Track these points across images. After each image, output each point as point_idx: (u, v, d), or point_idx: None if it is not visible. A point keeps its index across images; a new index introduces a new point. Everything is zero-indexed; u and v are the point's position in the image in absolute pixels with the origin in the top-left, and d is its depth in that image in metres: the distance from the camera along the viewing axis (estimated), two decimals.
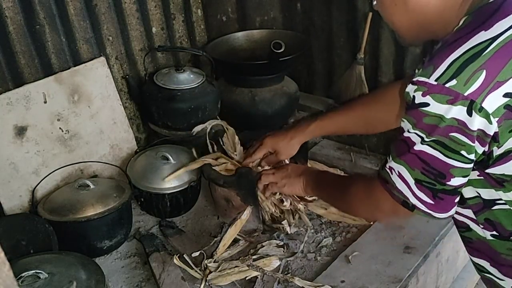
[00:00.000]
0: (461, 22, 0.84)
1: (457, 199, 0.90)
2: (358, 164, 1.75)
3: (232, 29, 2.13)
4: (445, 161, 0.84)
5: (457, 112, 0.78)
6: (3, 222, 1.39)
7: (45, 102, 1.55)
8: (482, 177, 0.88)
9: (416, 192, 0.89)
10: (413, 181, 0.89)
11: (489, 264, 0.98)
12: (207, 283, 1.30)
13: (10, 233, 1.32)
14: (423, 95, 0.81)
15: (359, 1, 1.82)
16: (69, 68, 1.62)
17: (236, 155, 1.53)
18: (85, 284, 1.12)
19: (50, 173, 1.52)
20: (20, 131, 1.51)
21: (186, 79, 1.74)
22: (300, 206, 1.46)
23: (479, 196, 0.91)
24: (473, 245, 0.99)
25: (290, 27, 2.11)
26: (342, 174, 1.66)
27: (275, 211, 1.46)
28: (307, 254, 1.40)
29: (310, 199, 1.53)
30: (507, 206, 0.88)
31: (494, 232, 0.92)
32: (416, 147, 0.86)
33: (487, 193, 0.89)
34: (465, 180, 0.87)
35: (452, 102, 0.78)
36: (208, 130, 1.60)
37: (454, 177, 0.85)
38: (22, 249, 1.29)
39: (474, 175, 0.88)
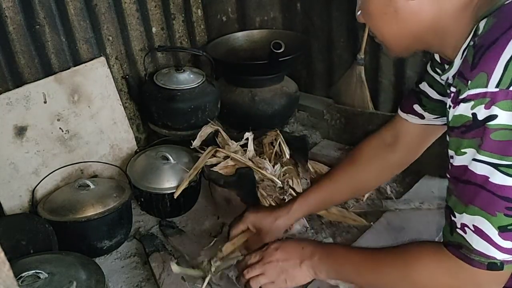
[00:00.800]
0: (482, 25, 0.75)
1: None
2: None
3: (232, 29, 2.13)
4: None
5: None
6: (3, 222, 1.39)
7: (45, 102, 1.55)
8: None
9: (501, 244, 0.72)
10: (497, 231, 0.72)
11: None
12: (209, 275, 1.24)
13: (10, 233, 1.32)
14: (487, 107, 0.69)
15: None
16: (69, 68, 1.62)
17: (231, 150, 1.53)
18: (85, 284, 1.12)
19: (50, 173, 1.52)
20: (20, 131, 1.51)
21: (186, 79, 1.74)
22: None
23: None
24: None
25: (290, 27, 2.12)
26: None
27: None
28: None
29: None
30: None
31: None
32: (494, 180, 0.70)
33: None
34: None
35: None
36: (206, 136, 1.59)
37: None
38: (22, 249, 1.28)
39: None
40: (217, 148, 1.54)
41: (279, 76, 1.91)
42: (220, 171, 1.49)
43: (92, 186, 1.44)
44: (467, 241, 0.75)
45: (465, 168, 0.74)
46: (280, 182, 1.47)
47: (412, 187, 1.59)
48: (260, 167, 1.49)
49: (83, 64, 1.65)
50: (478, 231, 0.73)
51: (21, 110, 1.50)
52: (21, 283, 1.07)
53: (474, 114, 0.70)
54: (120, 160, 1.73)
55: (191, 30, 2.00)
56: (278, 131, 1.63)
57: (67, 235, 1.36)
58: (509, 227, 0.71)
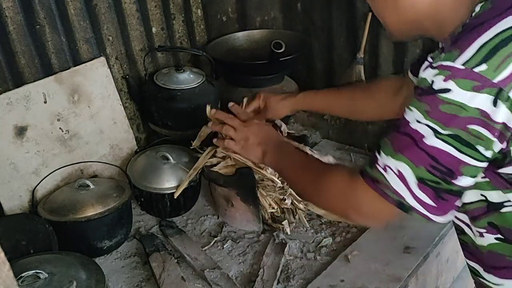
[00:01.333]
0: (477, 9, 0.79)
1: (458, 202, 0.82)
2: (358, 164, 1.75)
3: (232, 29, 2.13)
4: (458, 157, 0.75)
5: (482, 101, 0.71)
6: (3, 222, 1.39)
7: (45, 102, 1.55)
8: (488, 179, 0.83)
9: (415, 192, 0.80)
10: (416, 180, 0.79)
11: (482, 269, 0.95)
12: None
13: (10, 233, 1.32)
14: (445, 79, 0.73)
15: (359, 0, 1.83)
16: (69, 68, 1.62)
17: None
18: (85, 284, 1.12)
19: (50, 173, 1.52)
20: (20, 131, 1.51)
21: (186, 79, 1.74)
22: (301, 205, 1.46)
23: (484, 200, 0.86)
24: (467, 249, 0.97)
25: (290, 27, 2.11)
26: (308, 151, 1.51)
27: (275, 209, 1.46)
28: (307, 253, 1.40)
29: None
30: None
31: (499, 235, 0.87)
32: (427, 141, 0.76)
33: (496, 195, 0.84)
34: (472, 181, 0.79)
35: (478, 89, 0.71)
36: (206, 136, 1.59)
37: (463, 176, 0.77)
38: (22, 249, 1.29)
39: (479, 177, 0.81)
40: (217, 148, 1.54)
41: (279, 76, 1.91)
42: (220, 171, 1.49)
43: (92, 186, 1.44)
44: (386, 179, 0.81)
45: (406, 123, 0.79)
46: (280, 182, 1.47)
47: None
48: (260, 167, 1.49)
49: (83, 64, 1.65)
50: (401, 176, 0.80)
51: (21, 110, 1.50)
52: (21, 283, 1.07)
53: (432, 82, 0.75)
54: (120, 160, 1.73)
55: (191, 30, 2.00)
56: (278, 131, 1.63)
57: (67, 235, 1.37)
58: (427, 182, 0.78)
